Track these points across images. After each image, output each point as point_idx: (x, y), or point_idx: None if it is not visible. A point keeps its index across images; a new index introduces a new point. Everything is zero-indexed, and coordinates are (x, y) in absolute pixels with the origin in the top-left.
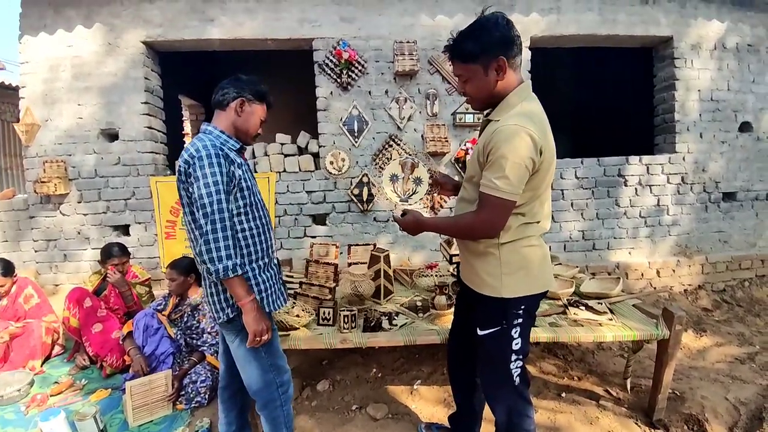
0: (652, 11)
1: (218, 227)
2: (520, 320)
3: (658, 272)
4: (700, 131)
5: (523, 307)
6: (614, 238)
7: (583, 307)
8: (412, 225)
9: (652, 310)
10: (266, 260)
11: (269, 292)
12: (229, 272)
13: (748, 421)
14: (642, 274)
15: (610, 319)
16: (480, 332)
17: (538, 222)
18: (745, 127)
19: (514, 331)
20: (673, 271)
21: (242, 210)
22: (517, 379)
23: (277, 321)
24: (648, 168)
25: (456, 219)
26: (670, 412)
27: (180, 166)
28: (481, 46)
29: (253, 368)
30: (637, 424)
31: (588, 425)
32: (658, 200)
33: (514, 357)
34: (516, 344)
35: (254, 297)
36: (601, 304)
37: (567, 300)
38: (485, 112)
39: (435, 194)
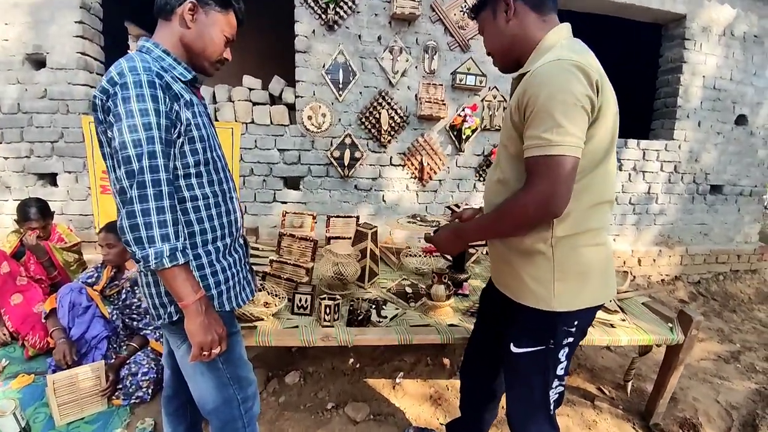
0: None
1: (149, 194)
2: (571, 339)
3: (639, 261)
4: (699, 119)
5: (576, 323)
6: None
7: None
8: (450, 239)
9: (662, 309)
10: (227, 240)
11: (231, 283)
12: (164, 260)
13: (741, 428)
14: (624, 262)
15: (623, 320)
16: (515, 349)
17: (608, 202)
18: (740, 120)
19: (561, 352)
20: (654, 260)
21: (192, 170)
22: (553, 406)
23: (238, 314)
24: (644, 153)
25: (500, 207)
26: (665, 415)
27: (95, 96)
28: None
29: (206, 382)
30: (634, 428)
31: (587, 430)
32: (649, 188)
33: (556, 383)
34: (561, 368)
35: (201, 296)
36: (610, 300)
37: None
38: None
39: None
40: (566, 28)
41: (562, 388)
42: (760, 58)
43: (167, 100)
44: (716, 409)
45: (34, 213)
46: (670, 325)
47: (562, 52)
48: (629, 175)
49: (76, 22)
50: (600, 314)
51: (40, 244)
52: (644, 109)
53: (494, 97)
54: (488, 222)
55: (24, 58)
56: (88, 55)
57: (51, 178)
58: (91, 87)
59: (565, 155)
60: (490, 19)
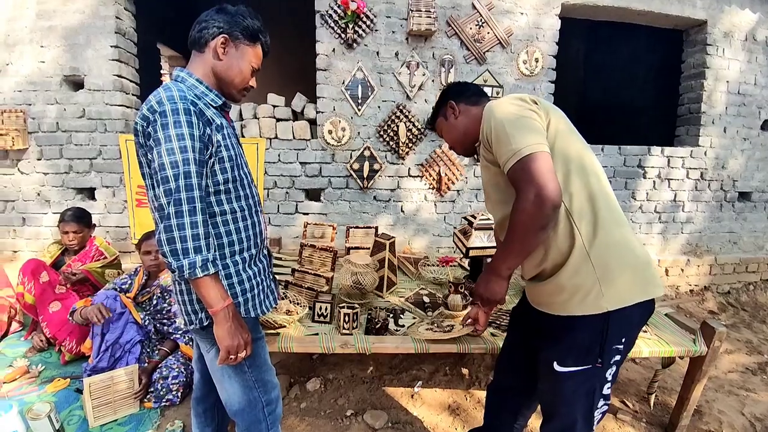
0: None
1: (184, 209)
2: (619, 357)
3: (666, 271)
4: (724, 125)
5: (624, 339)
6: None
7: None
8: (489, 283)
9: (685, 320)
10: (253, 251)
11: (256, 291)
12: (197, 270)
13: None
14: None
15: (645, 331)
16: (559, 368)
17: (604, 193)
18: (766, 125)
19: (609, 372)
20: (682, 270)
21: (222, 187)
22: (595, 424)
23: (263, 321)
24: (669, 160)
25: (509, 228)
26: (688, 428)
27: (137, 123)
28: (437, 105)
29: (233, 385)
30: None
31: None
32: (675, 195)
33: (601, 402)
34: (608, 388)
35: (229, 303)
36: None
37: None
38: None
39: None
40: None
41: (606, 407)
42: None
43: (201, 125)
44: (741, 421)
45: (69, 216)
46: (693, 336)
47: (495, 101)
48: (654, 182)
49: (111, 46)
50: None
51: (81, 274)
52: (668, 116)
53: None
54: (507, 245)
55: (62, 79)
56: (123, 77)
57: (89, 193)
58: (127, 107)
59: (530, 153)
60: (444, 122)
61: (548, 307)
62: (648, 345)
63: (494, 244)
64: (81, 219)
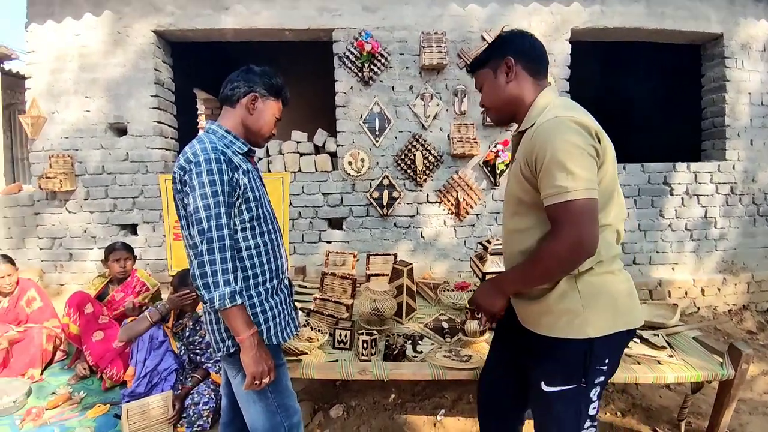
0: (701, 6)
1: (215, 247)
2: (602, 378)
3: (702, 291)
4: (750, 138)
5: (607, 360)
6: (657, 252)
7: (638, 340)
8: (489, 293)
9: (713, 343)
10: (275, 282)
11: (278, 320)
12: (226, 301)
13: None
14: (686, 293)
15: (670, 356)
16: (547, 388)
17: (618, 232)
18: None
19: (593, 392)
20: (719, 289)
21: (247, 225)
22: None
23: (285, 348)
24: (696, 176)
25: (535, 256)
26: None
27: (175, 172)
28: (491, 50)
29: (257, 409)
30: None
31: None
32: (706, 212)
33: (588, 424)
34: (593, 408)
35: (255, 331)
36: (658, 336)
37: None
38: (515, 129)
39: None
40: (554, 89)
41: (594, 430)
42: None
43: (229, 171)
44: None
45: (119, 245)
46: (721, 360)
47: (557, 111)
48: (682, 199)
49: (151, 95)
50: (646, 350)
51: (136, 307)
52: (692, 131)
53: None
54: (525, 271)
55: (106, 126)
56: (163, 123)
57: (131, 229)
58: (166, 150)
59: (582, 198)
60: (491, 78)
61: (536, 327)
62: (674, 370)
63: None
64: (129, 248)
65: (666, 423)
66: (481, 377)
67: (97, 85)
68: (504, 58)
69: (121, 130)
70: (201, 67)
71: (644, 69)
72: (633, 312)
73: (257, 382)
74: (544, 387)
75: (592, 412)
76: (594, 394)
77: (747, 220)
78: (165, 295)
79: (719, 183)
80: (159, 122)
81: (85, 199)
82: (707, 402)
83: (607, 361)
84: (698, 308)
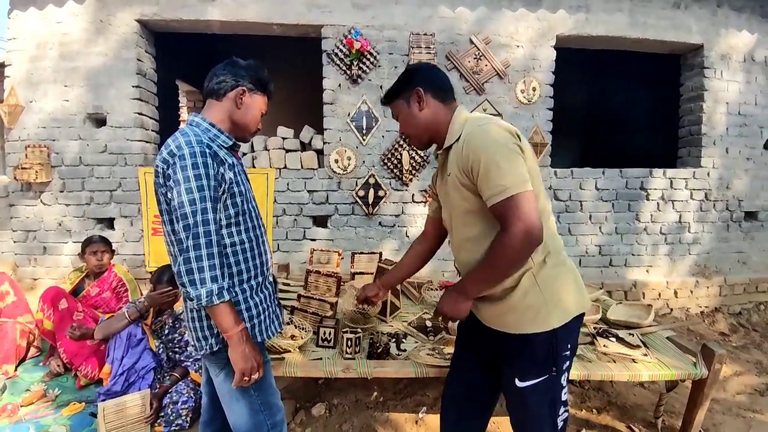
0: (683, 17)
1: (201, 243)
2: (568, 363)
3: (675, 293)
4: (726, 146)
5: (569, 345)
6: (632, 254)
7: (614, 339)
8: (453, 302)
9: (687, 343)
10: (260, 279)
11: (262, 317)
12: (214, 298)
13: None
14: (659, 294)
15: (645, 355)
16: (521, 384)
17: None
18: None
19: (563, 378)
20: (691, 292)
21: (233, 220)
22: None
23: (268, 345)
24: (671, 182)
25: (490, 255)
26: None
27: (158, 165)
28: (400, 84)
29: (240, 408)
30: None
31: None
32: (680, 217)
33: (562, 409)
34: (565, 393)
35: (242, 328)
36: (633, 335)
37: (594, 328)
38: (435, 149)
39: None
40: (464, 107)
41: (567, 414)
42: None
43: (215, 165)
44: None
45: (97, 237)
46: (694, 359)
47: (478, 122)
48: (657, 204)
49: (133, 86)
50: (622, 349)
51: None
52: (668, 138)
53: None
54: (484, 272)
55: (85, 117)
56: (144, 115)
57: (108, 223)
58: (146, 142)
59: (520, 191)
60: (405, 108)
61: (502, 326)
62: (648, 368)
63: None
64: (107, 242)
65: (640, 420)
66: (446, 388)
67: (77, 74)
68: (414, 89)
69: (100, 121)
70: (184, 59)
71: (625, 77)
72: (584, 296)
73: (246, 378)
74: (518, 383)
75: (564, 397)
76: (564, 379)
77: (721, 226)
78: (145, 291)
79: (694, 189)
80: (140, 114)
81: (61, 191)
82: (680, 401)
83: (569, 346)
84: (671, 309)
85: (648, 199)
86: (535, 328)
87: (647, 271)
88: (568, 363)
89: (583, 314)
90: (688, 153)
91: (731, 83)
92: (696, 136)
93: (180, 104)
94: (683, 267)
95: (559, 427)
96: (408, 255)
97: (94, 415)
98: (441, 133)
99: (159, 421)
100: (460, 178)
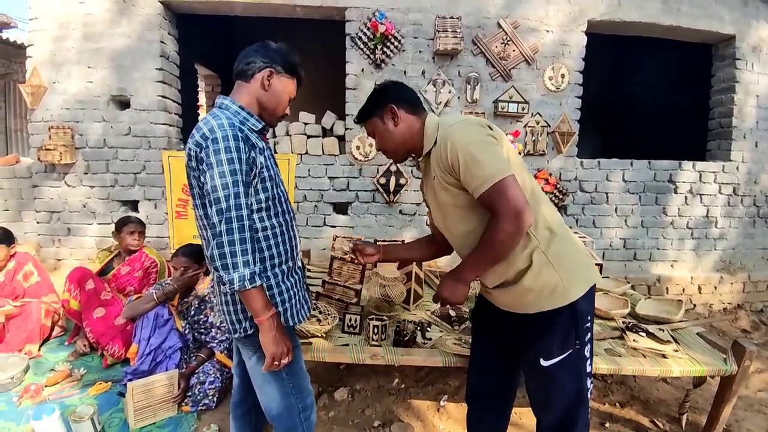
0: (716, 6)
1: (235, 227)
2: (590, 335)
3: (699, 288)
4: (755, 140)
5: (589, 317)
6: (657, 249)
7: (644, 334)
8: (451, 286)
9: (717, 339)
10: (290, 264)
11: (293, 301)
12: (246, 283)
13: None
14: (683, 290)
15: (676, 350)
16: (545, 363)
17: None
18: None
19: (586, 349)
20: (715, 288)
21: (263, 205)
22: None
23: (297, 330)
24: (701, 175)
25: (485, 240)
26: None
27: (190, 148)
28: (372, 103)
29: (272, 390)
30: None
31: None
32: (708, 211)
33: (589, 381)
34: (589, 364)
35: (273, 313)
36: (663, 330)
37: (623, 323)
38: (419, 159)
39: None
40: (433, 114)
41: (592, 385)
42: None
43: (247, 149)
44: None
45: (134, 218)
46: (724, 356)
47: (450, 122)
48: (685, 198)
49: (156, 68)
50: (652, 344)
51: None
52: (698, 130)
53: (537, 123)
54: (480, 256)
55: (109, 99)
56: (167, 98)
57: (133, 205)
58: (170, 126)
59: (501, 177)
60: (380, 125)
61: (521, 308)
62: (679, 364)
63: None
64: (142, 223)
65: (663, 416)
66: (469, 379)
67: (101, 55)
68: (388, 106)
69: (123, 103)
70: (203, 42)
71: (657, 65)
72: (593, 267)
73: (276, 363)
74: (543, 363)
75: (588, 369)
76: (587, 351)
77: (747, 221)
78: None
79: (722, 183)
80: (163, 96)
81: (85, 173)
82: (704, 397)
83: (589, 317)
84: (694, 305)
85: (676, 192)
86: (554, 303)
87: (672, 265)
88: (589, 335)
89: (595, 286)
90: (718, 146)
91: (762, 76)
92: (726, 129)
93: (198, 88)
94: (708, 262)
95: (586, 400)
96: (417, 240)
97: (121, 394)
98: (417, 143)
99: (186, 400)
100: (445, 178)
